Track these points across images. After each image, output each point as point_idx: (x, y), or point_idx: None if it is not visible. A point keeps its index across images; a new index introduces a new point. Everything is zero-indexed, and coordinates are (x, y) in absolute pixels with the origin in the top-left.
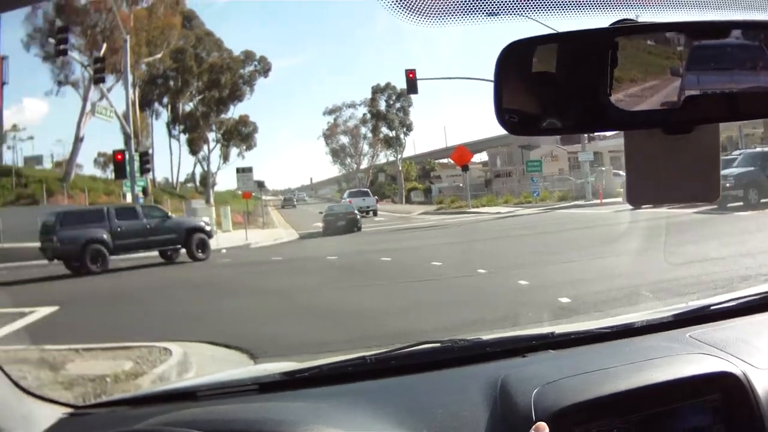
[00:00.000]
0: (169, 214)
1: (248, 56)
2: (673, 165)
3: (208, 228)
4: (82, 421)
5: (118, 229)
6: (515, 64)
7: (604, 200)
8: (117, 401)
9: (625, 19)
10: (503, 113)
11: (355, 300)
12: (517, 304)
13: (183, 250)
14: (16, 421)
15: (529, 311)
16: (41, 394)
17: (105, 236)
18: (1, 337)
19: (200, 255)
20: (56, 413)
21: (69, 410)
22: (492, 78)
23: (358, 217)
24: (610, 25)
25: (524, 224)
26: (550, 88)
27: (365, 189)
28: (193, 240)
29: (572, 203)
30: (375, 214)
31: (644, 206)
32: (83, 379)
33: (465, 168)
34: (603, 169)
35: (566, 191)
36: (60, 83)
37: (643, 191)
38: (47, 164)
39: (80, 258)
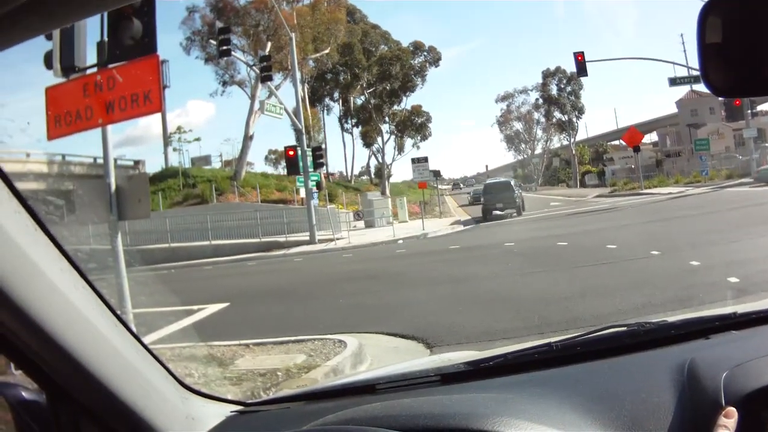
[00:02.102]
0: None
1: (417, 47)
2: None
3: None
4: (253, 418)
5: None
6: (714, 25)
7: None
8: (290, 397)
9: None
10: (707, 74)
11: (531, 286)
12: (688, 286)
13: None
14: (181, 422)
15: (700, 292)
16: (208, 392)
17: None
18: (167, 335)
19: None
20: (224, 411)
21: (238, 408)
22: (659, 57)
23: (515, 194)
24: None
25: (694, 204)
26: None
27: (505, 180)
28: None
29: (738, 181)
30: (519, 213)
31: None
32: (252, 374)
33: (636, 149)
34: (767, 145)
35: (732, 169)
36: (225, 83)
37: None
38: (215, 164)
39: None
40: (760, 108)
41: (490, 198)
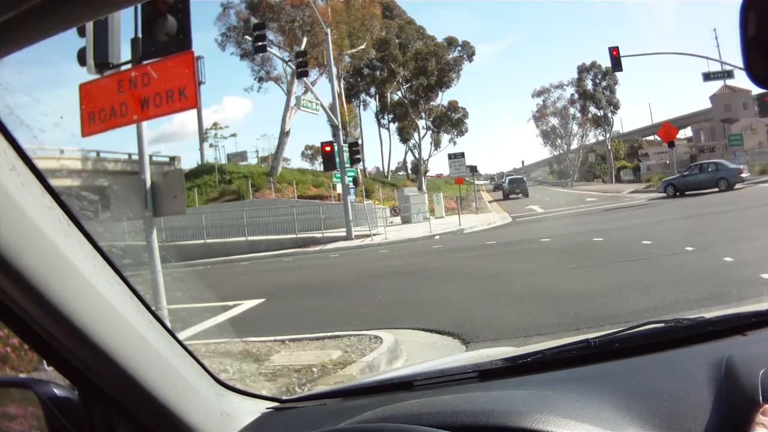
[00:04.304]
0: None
1: (451, 42)
2: None
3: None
4: (289, 415)
5: None
6: (755, 17)
7: None
8: (326, 393)
9: None
10: (751, 67)
11: (567, 282)
12: (722, 282)
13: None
14: (216, 418)
15: (734, 289)
16: (243, 388)
17: None
18: (202, 331)
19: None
20: (259, 408)
21: (274, 404)
22: (693, 52)
23: (526, 184)
24: None
25: (728, 200)
26: None
27: (519, 176)
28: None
29: None
30: (525, 195)
31: None
32: (288, 369)
33: (671, 144)
34: None
35: (766, 165)
36: (261, 79)
37: None
38: (252, 160)
39: None
40: None
41: (511, 187)
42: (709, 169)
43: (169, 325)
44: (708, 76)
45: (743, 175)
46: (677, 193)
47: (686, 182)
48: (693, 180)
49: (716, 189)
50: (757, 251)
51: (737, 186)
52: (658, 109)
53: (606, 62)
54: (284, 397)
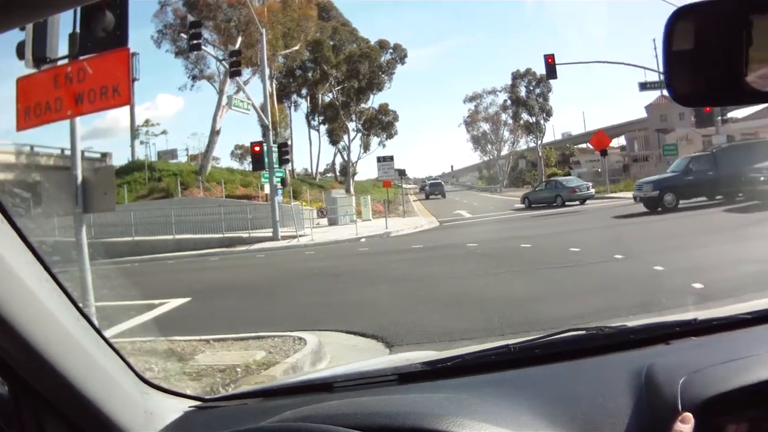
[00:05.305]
0: None
1: (383, 45)
2: None
3: None
4: (211, 414)
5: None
6: (682, 32)
7: None
8: (248, 393)
9: None
10: (672, 83)
11: (494, 287)
12: (652, 290)
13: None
14: (140, 416)
15: (663, 297)
16: (167, 387)
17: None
18: (128, 329)
19: None
20: (182, 406)
21: (196, 403)
22: (630, 62)
23: (444, 188)
24: None
25: (549, 215)
26: (718, 58)
27: (439, 181)
28: None
29: None
30: (443, 196)
31: None
32: (212, 369)
33: (603, 153)
34: None
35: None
36: (194, 78)
37: None
38: (182, 158)
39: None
40: (730, 115)
41: (431, 189)
42: (551, 186)
43: (96, 322)
44: (644, 86)
45: (581, 192)
46: (531, 206)
47: (536, 197)
48: (539, 195)
49: (555, 204)
50: (688, 260)
51: (573, 203)
52: (593, 117)
53: (542, 69)
54: (207, 396)
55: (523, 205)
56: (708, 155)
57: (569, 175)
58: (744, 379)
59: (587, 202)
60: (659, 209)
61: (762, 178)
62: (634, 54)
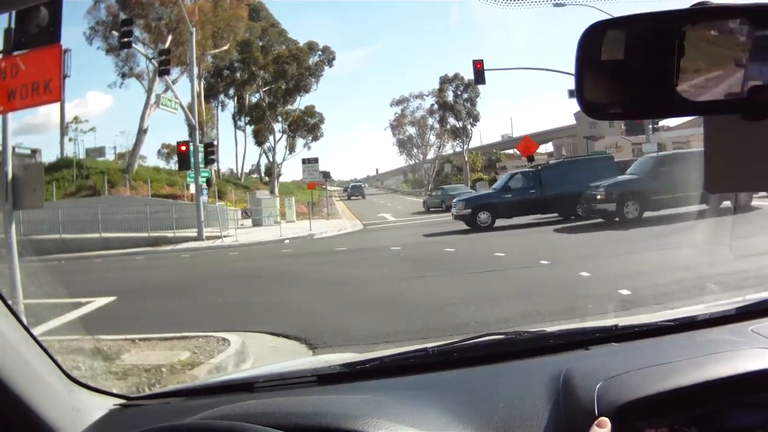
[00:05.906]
0: None
1: (311, 47)
2: (754, 152)
3: None
4: (135, 412)
5: None
6: (595, 48)
7: None
8: (171, 392)
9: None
10: (585, 97)
11: (417, 291)
12: (577, 296)
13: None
14: (67, 413)
15: (589, 303)
16: (93, 384)
17: None
18: (55, 327)
19: None
20: (108, 404)
21: (121, 401)
22: (559, 68)
23: (364, 190)
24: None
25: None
26: (634, 71)
27: (360, 184)
28: None
29: None
30: (363, 197)
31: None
32: (138, 369)
33: (530, 159)
34: None
35: None
36: (124, 75)
37: (722, 178)
38: (110, 156)
39: None
40: (661, 123)
41: (353, 191)
42: (439, 194)
43: (24, 320)
44: (573, 93)
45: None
46: (430, 210)
47: (431, 202)
48: (433, 201)
49: (441, 209)
50: (615, 267)
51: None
52: (521, 122)
53: (470, 74)
54: (132, 395)
55: (423, 209)
56: (533, 172)
57: (495, 180)
58: (662, 385)
59: None
60: (471, 228)
61: (599, 197)
62: (564, 61)
